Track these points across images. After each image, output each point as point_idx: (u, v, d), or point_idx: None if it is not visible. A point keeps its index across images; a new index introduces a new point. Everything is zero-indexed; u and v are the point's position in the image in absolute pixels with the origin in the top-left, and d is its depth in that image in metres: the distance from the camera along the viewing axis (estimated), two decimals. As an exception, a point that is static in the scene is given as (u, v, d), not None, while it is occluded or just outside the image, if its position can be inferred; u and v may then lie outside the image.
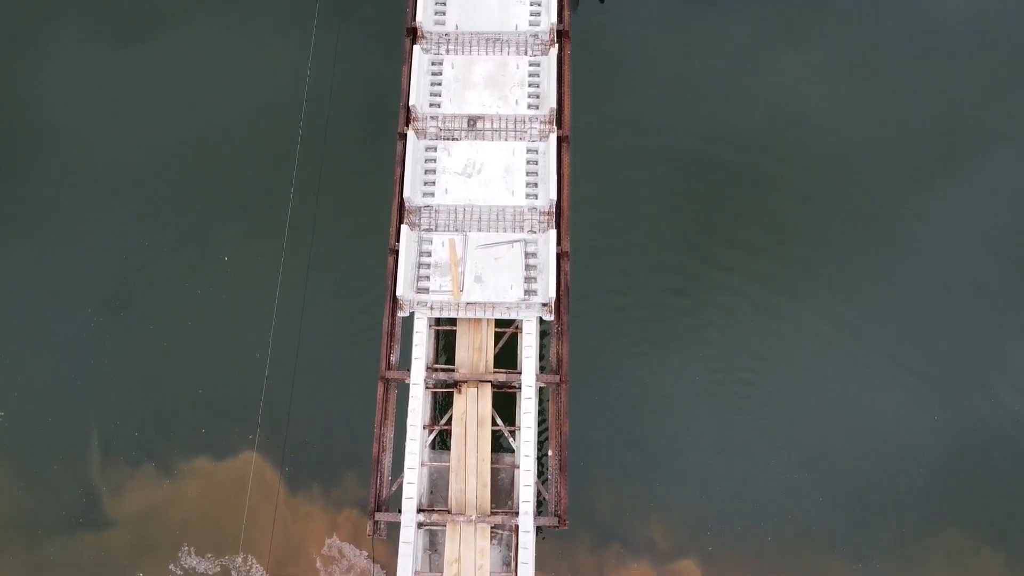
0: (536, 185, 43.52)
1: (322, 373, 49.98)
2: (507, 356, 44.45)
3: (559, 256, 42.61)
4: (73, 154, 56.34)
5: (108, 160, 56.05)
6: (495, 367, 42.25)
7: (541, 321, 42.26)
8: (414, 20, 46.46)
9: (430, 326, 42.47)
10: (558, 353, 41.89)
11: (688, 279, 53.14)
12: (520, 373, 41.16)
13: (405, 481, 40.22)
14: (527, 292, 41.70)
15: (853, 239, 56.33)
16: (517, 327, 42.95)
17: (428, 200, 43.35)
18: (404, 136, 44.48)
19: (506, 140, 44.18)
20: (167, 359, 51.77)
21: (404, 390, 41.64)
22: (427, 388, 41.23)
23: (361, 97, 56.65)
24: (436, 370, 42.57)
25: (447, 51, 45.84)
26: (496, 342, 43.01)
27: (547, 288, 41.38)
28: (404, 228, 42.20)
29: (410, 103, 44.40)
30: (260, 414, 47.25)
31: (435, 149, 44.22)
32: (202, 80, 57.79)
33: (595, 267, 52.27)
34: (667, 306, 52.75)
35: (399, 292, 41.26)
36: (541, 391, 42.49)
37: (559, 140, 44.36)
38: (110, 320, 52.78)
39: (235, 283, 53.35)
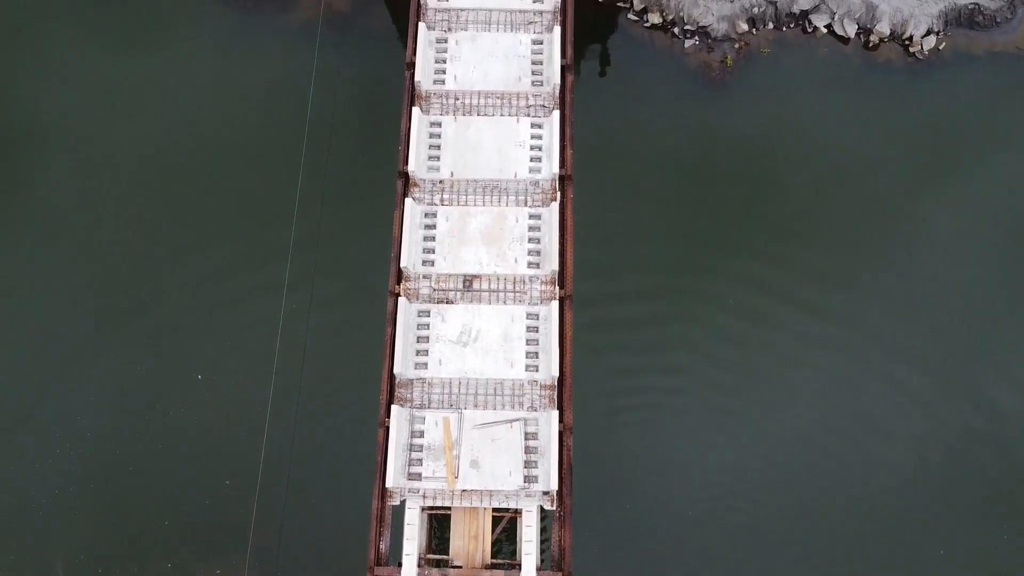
0: (537, 355, 39.33)
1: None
2: (507, 535, 40.79)
3: (561, 433, 38.47)
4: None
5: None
6: (493, 556, 38.30)
7: (542, 509, 38.10)
8: (406, 164, 42.07)
9: (423, 510, 38.44)
10: (560, 542, 37.95)
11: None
12: (520, 568, 37.08)
13: None
14: (527, 479, 37.79)
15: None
16: (517, 512, 38.91)
17: (421, 372, 39.33)
18: (395, 296, 40.27)
19: (505, 304, 40.06)
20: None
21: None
22: (420, 581, 37.52)
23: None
24: (430, 561, 38.60)
25: (441, 201, 41.62)
26: (494, 527, 39.15)
27: (548, 475, 37.49)
28: (395, 409, 38.17)
29: (401, 264, 40.12)
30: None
31: (428, 314, 40.10)
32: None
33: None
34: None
35: (389, 482, 37.44)
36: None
37: (561, 301, 40.05)
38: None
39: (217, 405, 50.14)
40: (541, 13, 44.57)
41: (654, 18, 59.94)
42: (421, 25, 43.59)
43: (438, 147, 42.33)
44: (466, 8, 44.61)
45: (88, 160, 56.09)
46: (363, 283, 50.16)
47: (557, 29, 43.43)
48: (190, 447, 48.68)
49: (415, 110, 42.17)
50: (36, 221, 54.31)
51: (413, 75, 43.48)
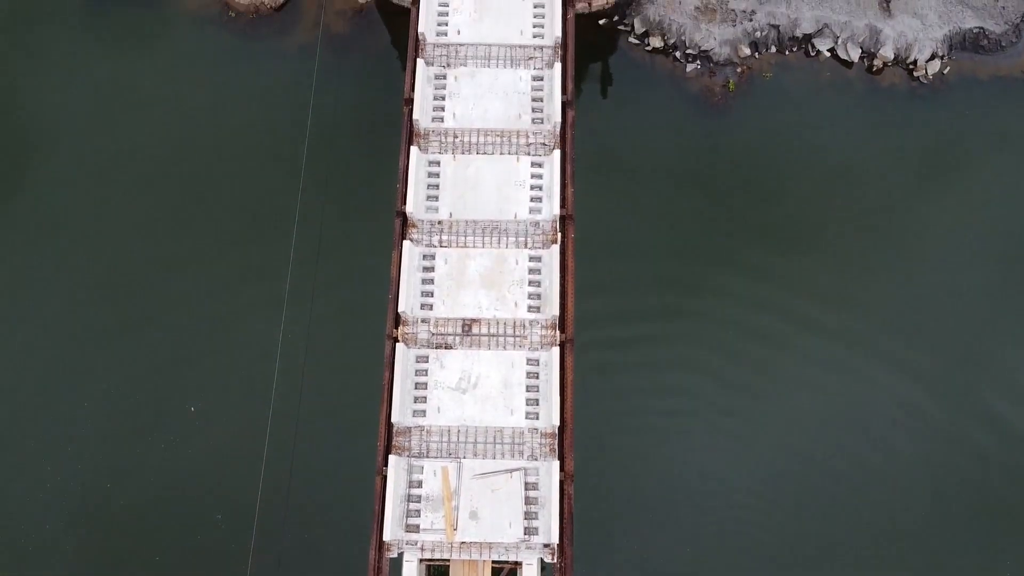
0: (537, 402, 38.29)
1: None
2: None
3: (562, 481, 37.44)
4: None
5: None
6: (493, 608, 37.29)
7: (543, 561, 37.09)
8: (404, 204, 40.98)
9: (421, 562, 37.42)
10: (561, 595, 36.92)
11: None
12: (520, 626, 36.10)
13: None
14: (527, 531, 36.80)
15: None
16: (517, 564, 37.92)
17: (419, 420, 38.32)
18: (393, 340, 39.21)
19: (504, 349, 39.00)
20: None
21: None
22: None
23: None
24: (428, 616, 37.62)
25: (440, 242, 40.51)
26: (494, 578, 38.10)
27: (549, 527, 36.43)
28: (392, 459, 37.13)
29: (399, 309, 39.05)
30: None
31: (427, 359, 39.01)
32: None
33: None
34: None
35: (387, 535, 36.49)
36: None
37: (562, 346, 38.98)
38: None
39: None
40: (541, 48, 43.47)
41: (655, 42, 58.82)
42: (420, 61, 42.45)
43: (437, 186, 41.24)
44: (465, 43, 43.52)
45: (79, 184, 55.17)
46: (361, 306, 49.13)
47: (558, 66, 42.35)
48: (183, 491, 47.64)
49: (413, 149, 41.10)
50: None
51: (411, 111, 42.37)
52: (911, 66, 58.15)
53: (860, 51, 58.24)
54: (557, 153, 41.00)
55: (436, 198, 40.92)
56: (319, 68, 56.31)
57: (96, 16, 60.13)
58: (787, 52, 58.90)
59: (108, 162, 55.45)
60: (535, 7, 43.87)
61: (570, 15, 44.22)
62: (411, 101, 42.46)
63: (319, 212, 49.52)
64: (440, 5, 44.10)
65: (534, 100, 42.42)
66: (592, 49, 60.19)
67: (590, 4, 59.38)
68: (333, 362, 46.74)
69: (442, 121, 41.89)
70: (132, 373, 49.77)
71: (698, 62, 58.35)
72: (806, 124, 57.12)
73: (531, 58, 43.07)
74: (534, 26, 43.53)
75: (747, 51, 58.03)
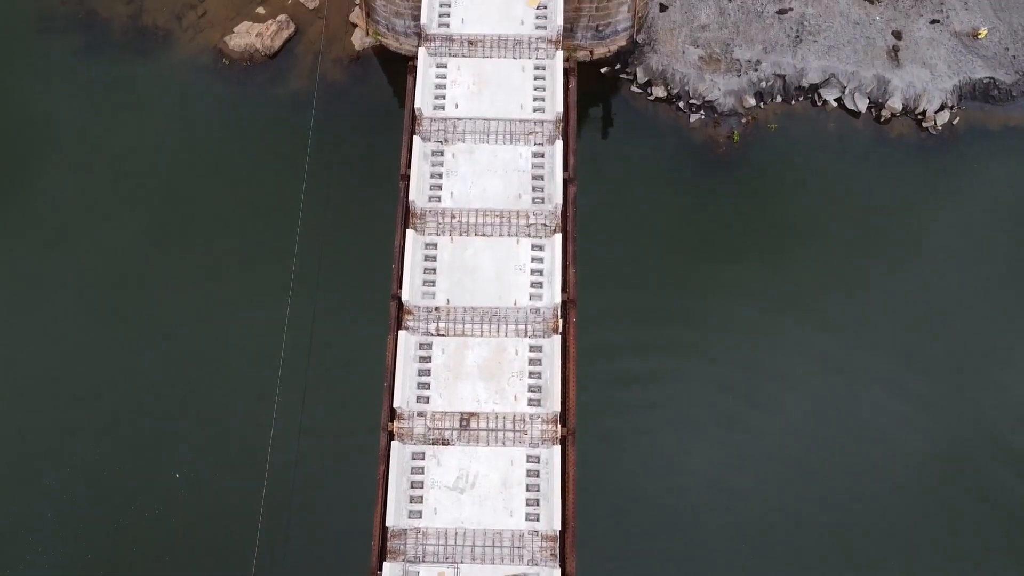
0: (538, 503, 36.26)
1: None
2: None
3: (563, 585, 35.47)
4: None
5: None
6: None
7: (544, 672, 35.18)
8: (400, 288, 38.89)
9: (417, 672, 35.51)
10: None
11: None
12: None
13: None
14: (528, 642, 34.68)
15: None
16: (516, 673, 36.00)
17: (415, 522, 36.36)
18: (388, 433, 37.18)
19: (504, 445, 37.09)
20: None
21: None
22: None
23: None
24: None
25: (436, 330, 38.40)
26: None
27: (551, 638, 34.36)
28: (387, 566, 35.11)
29: (395, 404, 37.00)
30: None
31: (423, 456, 36.97)
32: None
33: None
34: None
35: (382, 646, 34.28)
36: None
37: (563, 441, 36.97)
38: None
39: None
40: (542, 123, 41.24)
41: (658, 92, 56.68)
42: (416, 139, 40.26)
43: (433, 270, 39.22)
44: (464, 118, 41.36)
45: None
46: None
47: (559, 143, 40.11)
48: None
49: (409, 233, 38.97)
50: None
51: (407, 187, 40.22)
52: (920, 116, 55.96)
53: (868, 101, 56.12)
54: (558, 238, 38.83)
55: (433, 283, 38.88)
56: (315, 119, 54.17)
57: (87, 65, 57.87)
58: (793, 102, 56.79)
59: (94, 223, 53.10)
60: (535, 79, 41.69)
61: (571, 84, 42.11)
62: (407, 177, 40.25)
63: (314, 280, 47.45)
64: (438, 77, 41.86)
65: (534, 178, 40.35)
66: (594, 98, 58.01)
67: (591, 53, 57.24)
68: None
69: (439, 200, 39.82)
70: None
71: (702, 112, 56.20)
72: (813, 180, 55.16)
73: (531, 133, 41.00)
74: (535, 99, 41.33)
75: (752, 101, 55.86)
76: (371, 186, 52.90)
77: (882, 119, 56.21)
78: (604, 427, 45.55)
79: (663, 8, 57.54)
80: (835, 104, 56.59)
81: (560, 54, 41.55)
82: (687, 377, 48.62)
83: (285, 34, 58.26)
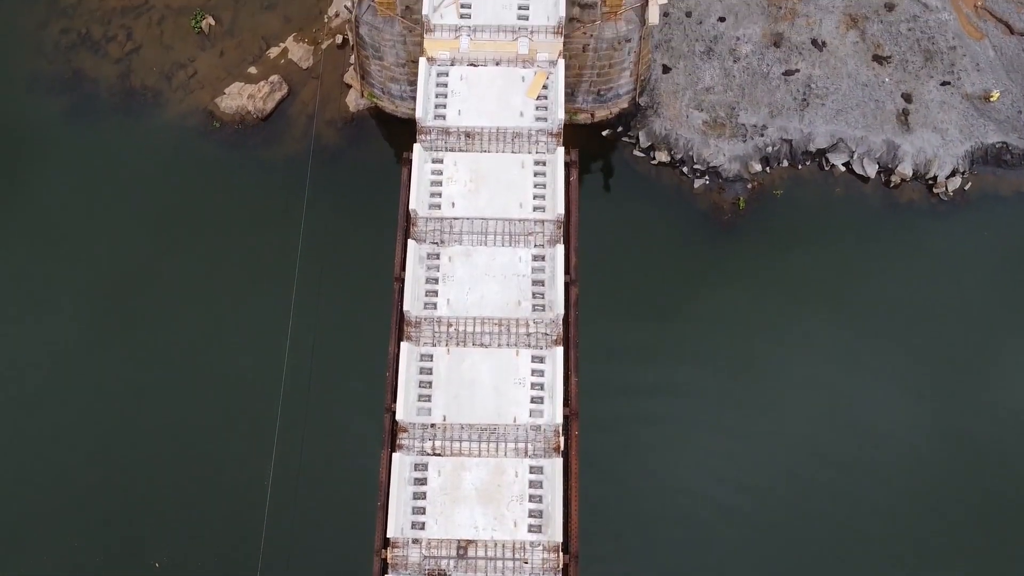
0: (538, 638, 33.77)
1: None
2: None
3: None
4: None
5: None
6: None
7: None
8: (394, 402, 36.36)
9: None
10: None
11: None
12: None
13: None
14: None
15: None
16: None
17: (411, 657, 33.67)
18: (382, 561, 34.73)
19: (503, 575, 34.31)
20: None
21: None
22: None
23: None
24: None
25: (432, 449, 36.02)
26: None
27: None
28: None
29: (389, 533, 34.54)
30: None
31: (419, 586, 34.41)
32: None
33: None
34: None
35: None
36: None
37: (565, 569, 34.47)
38: None
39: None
40: (543, 223, 38.56)
41: (662, 156, 54.05)
42: (411, 242, 37.63)
43: (429, 383, 36.56)
44: (460, 217, 38.72)
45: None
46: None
47: (560, 248, 37.51)
48: None
49: (404, 345, 36.35)
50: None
51: (402, 291, 37.57)
52: (931, 181, 53.27)
53: (877, 166, 53.52)
54: (559, 351, 36.23)
55: (428, 398, 36.28)
56: (310, 184, 51.60)
57: (77, 127, 55.16)
58: (800, 166, 54.22)
59: (80, 285, 51.22)
60: (536, 175, 38.97)
61: (573, 178, 39.43)
62: (401, 280, 37.63)
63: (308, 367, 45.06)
64: (434, 173, 39.16)
65: (535, 283, 37.65)
66: (595, 160, 55.48)
67: (592, 115, 54.68)
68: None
69: (435, 308, 37.17)
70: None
71: (706, 177, 53.59)
72: (822, 250, 52.49)
73: (531, 233, 38.42)
74: (535, 196, 38.58)
75: (758, 167, 53.24)
76: (367, 263, 50.30)
77: (892, 184, 53.48)
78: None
79: (666, 70, 54.82)
80: (843, 169, 54.07)
81: (561, 150, 38.92)
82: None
83: (278, 95, 55.56)
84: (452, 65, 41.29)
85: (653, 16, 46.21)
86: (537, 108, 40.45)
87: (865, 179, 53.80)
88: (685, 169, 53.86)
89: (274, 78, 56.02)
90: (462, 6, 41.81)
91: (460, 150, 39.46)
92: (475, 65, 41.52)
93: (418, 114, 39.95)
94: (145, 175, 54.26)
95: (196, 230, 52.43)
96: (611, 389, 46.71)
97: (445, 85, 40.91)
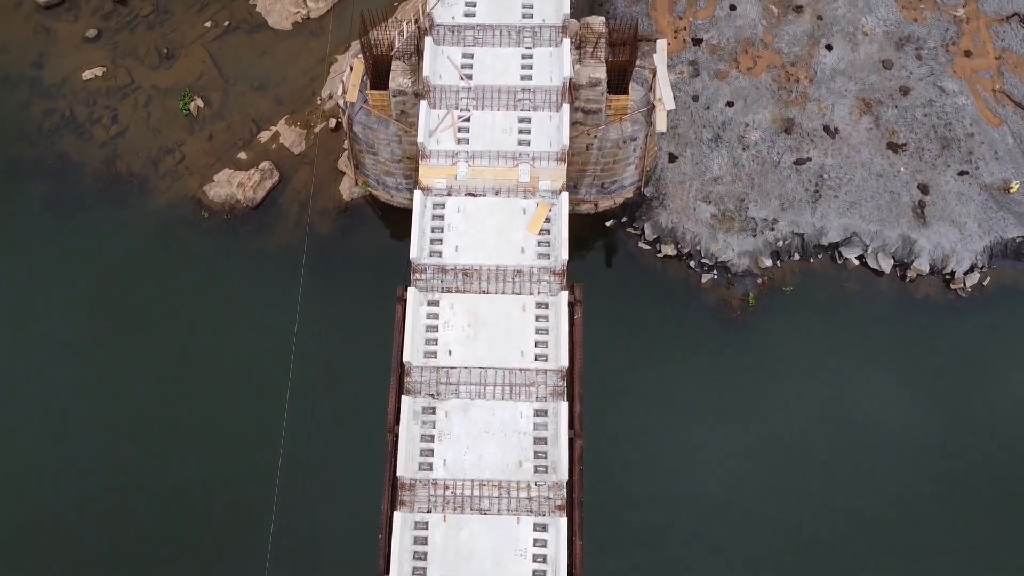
0: None
1: None
2: None
3: None
4: None
5: None
6: None
7: None
8: (386, 572, 33.09)
9: None
10: None
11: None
12: None
13: None
14: None
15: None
16: None
17: None
18: None
19: None
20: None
21: None
22: None
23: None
24: None
25: None
26: None
27: None
28: None
29: None
30: None
31: None
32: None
33: None
34: None
35: None
36: None
37: None
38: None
39: None
40: (545, 372, 35.13)
41: (668, 250, 50.61)
42: (405, 398, 34.17)
43: (424, 555, 33.37)
44: (457, 367, 35.33)
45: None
46: None
47: (563, 405, 34.09)
48: None
49: (397, 515, 32.99)
50: None
51: (395, 445, 34.19)
52: (948, 277, 49.76)
53: (892, 261, 49.94)
54: (563, 522, 32.86)
55: (424, 571, 32.79)
56: (304, 276, 48.19)
57: (58, 218, 51.63)
58: (812, 259, 50.63)
59: (59, 380, 48.09)
60: (538, 318, 35.48)
61: (577, 316, 35.97)
62: (395, 434, 34.26)
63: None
64: (429, 317, 35.73)
65: (537, 440, 34.27)
66: (598, 250, 52.02)
67: (596, 205, 51.27)
68: None
69: (431, 469, 33.79)
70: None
71: (714, 272, 50.19)
72: (835, 349, 48.88)
73: (532, 384, 35.00)
74: (537, 343, 35.09)
75: (768, 262, 49.84)
76: (365, 358, 46.94)
77: (907, 279, 49.98)
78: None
79: (673, 158, 51.27)
80: (857, 262, 50.45)
81: (564, 295, 35.35)
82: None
83: (268, 184, 52.08)
84: (449, 195, 37.73)
85: (661, 124, 42.68)
86: (539, 244, 36.93)
87: (880, 273, 50.21)
88: (692, 263, 50.49)
89: (265, 165, 52.49)
90: (460, 129, 38.07)
91: (457, 290, 35.99)
92: (473, 195, 37.96)
93: (412, 253, 36.49)
94: (131, 267, 50.96)
95: (185, 325, 49.11)
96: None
97: (442, 218, 37.40)
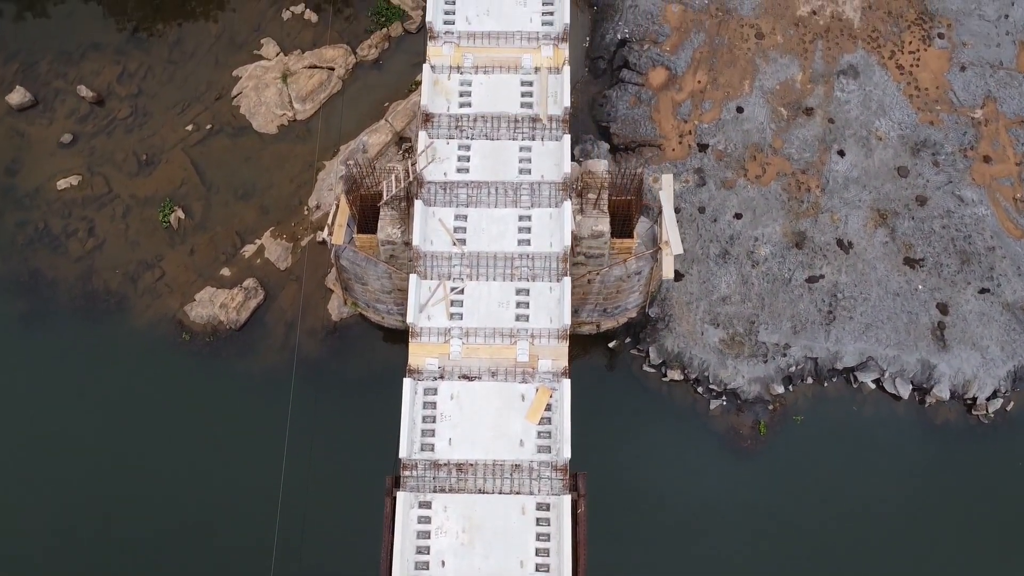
0: None
1: None
2: None
3: None
4: None
5: None
6: None
7: None
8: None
9: None
10: None
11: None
12: None
13: None
14: None
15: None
16: None
17: None
18: None
19: None
20: None
21: None
22: None
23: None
24: None
25: None
26: None
27: None
28: None
29: None
30: None
31: None
32: None
33: None
34: None
35: None
36: None
37: None
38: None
39: None
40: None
41: (674, 374, 46.32)
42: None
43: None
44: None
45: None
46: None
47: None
48: None
49: None
50: None
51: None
52: (970, 402, 45.48)
53: (911, 386, 45.62)
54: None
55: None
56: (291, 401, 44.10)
57: (36, 334, 47.28)
58: (826, 383, 46.32)
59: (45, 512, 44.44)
60: (539, 521, 31.38)
61: (581, 511, 31.75)
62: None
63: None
64: (420, 521, 31.54)
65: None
66: (600, 374, 47.79)
67: (598, 326, 46.89)
68: None
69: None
70: None
71: (724, 398, 45.99)
72: (850, 480, 44.89)
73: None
74: (538, 551, 30.84)
75: (780, 389, 45.61)
76: (357, 492, 42.93)
77: (926, 404, 45.71)
78: None
79: (678, 276, 46.83)
80: (873, 387, 46.04)
81: (567, 497, 31.01)
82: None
83: (253, 303, 47.71)
84: (441, 378, 33.26)
85: (668, 271, 38.39)
86: (539, 435, 32.53)
87: (897, 397, 45.88)
88: (700, 389, 46.12)
89: (249, 282, 48.07)
90: (453, 303, 33.63)
91: (451, 488, 31.59)
92: (468, 378, 33.49)
93: (402, 452, 32.11)
94: (108, 391, 46.61)
95: (165, 453, 44.86)
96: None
97: (434, 406, 32.92)
